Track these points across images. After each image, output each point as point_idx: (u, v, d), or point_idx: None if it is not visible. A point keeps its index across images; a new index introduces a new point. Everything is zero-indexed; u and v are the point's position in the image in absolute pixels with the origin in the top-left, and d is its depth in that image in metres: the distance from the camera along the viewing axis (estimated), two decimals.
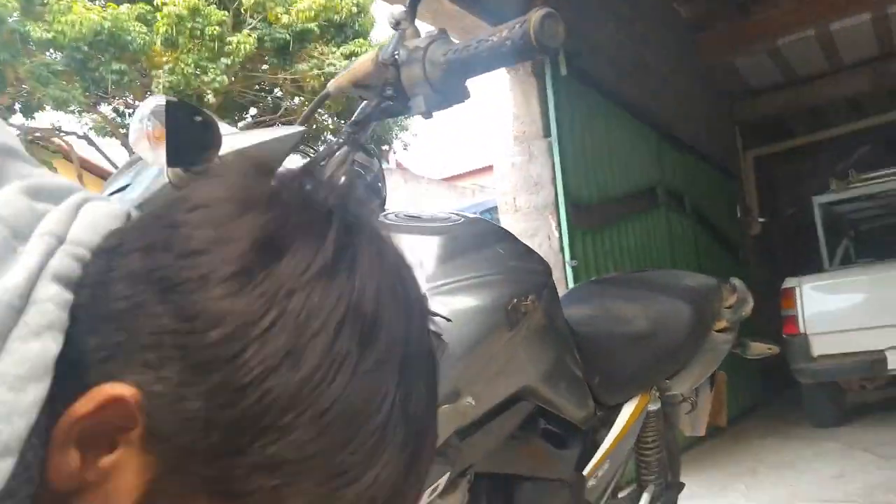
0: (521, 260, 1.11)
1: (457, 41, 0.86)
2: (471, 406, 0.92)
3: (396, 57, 0.87)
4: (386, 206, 1.13)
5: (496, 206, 4.19)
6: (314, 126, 10.76)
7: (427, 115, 0.89)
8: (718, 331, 1.68)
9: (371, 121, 0.95)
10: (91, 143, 11.05)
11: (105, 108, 10.94)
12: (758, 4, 6.32)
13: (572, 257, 3.78)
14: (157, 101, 0.74)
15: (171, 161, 0.72)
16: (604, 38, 4.60)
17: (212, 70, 9.35)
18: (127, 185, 0.87)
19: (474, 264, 1.01)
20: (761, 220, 7.65)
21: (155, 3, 9.16)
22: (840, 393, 4.82)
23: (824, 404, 4.79)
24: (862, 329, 4.40)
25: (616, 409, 1.39)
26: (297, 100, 11.69)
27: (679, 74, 6.05)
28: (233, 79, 10.26)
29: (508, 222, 3.99)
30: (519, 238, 1.21)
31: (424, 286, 0.93)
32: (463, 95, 0.88)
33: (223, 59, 9.49)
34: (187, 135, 0.72)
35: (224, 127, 0.80)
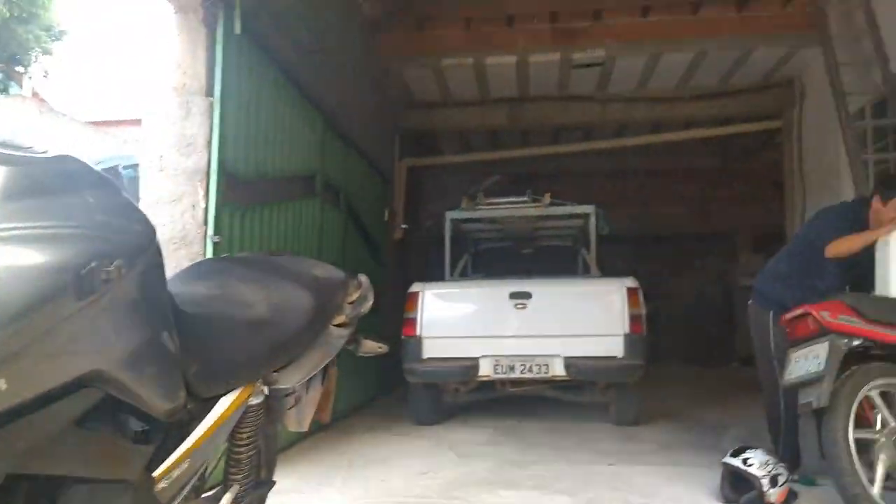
0: (116, 215, 0.91)
1: None
2: (0, 391, 0.71)
3: None
4: None
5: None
6: None
7: None
8: (337, 325, 1.66)
9: None
10: None
11: None
12: (432, 22, 6.82)
13: (216, 232, 3.54)
14: None
15: None
16: (287, 9, 4.45)
17: None
18: None
19: (49, 210, 0.81)
20: (404, 226, 8.26)
21: None
22: (439, 394, 5.34)
23: (425, 404, 5.29)
24: (464, 337, 4.98)
25: (212, 402, 1.26)
26: None
27: (356, 70, 6.19)
28: None
29: (150, 182, 3.57)
30: (124, 192, 1.00)
31: None
32: None
33: None
34: None
35: None
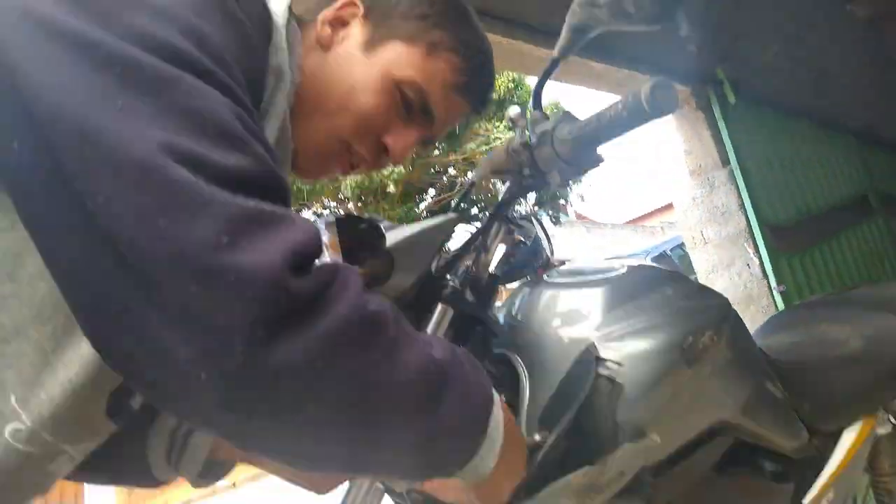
0: (693, 299, 1.09)
1: (580, 118, 0.92)
2: (657, 443, 0.93)
3: (527, 142, 0.96)
4: (553, 262, 1.18)
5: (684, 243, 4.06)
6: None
7: (563, 184, 0.97)
8: None
9: (514, 198, 1.04)
10: None
11: (306, 213, 12.22)
12: None
13: (778, 283, 3.55)
14: (326, 219, 0.88)
15: (347, 261, 0.84)
16: (772, 58, 4.38)
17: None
18: None
19: (641, 309, 1.02)
20: None
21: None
22: None
23: None
24: None
25: (835, 436, 1.30)
26: (469, 175, 12.41)
27: (867, 74, 5.54)
28: (410, 168, 11.03)
29: (698, 256, 3.85)
30: (693, 278, 1.20)
31: (592, 334, 0.98)
32: (594, 162, 0.93)
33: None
34: (356, 238, 0.86)
35: (386, 223, 0.93)
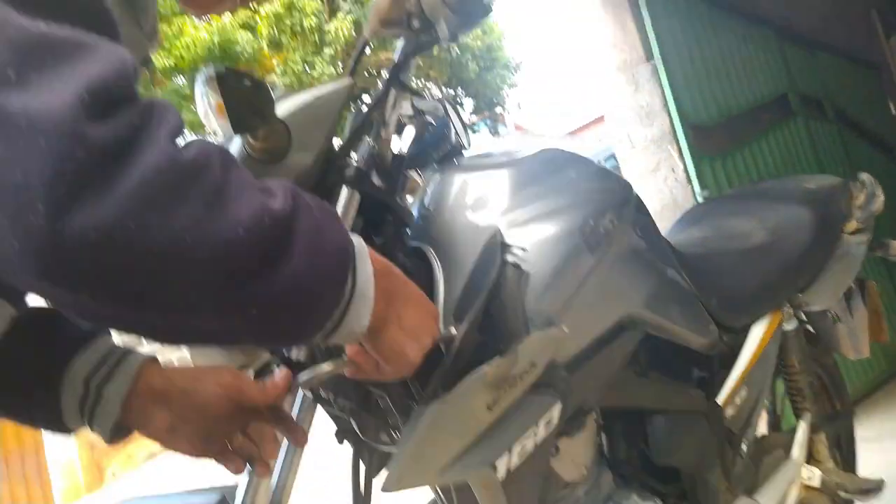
0: (595, 181, 1.05)
1: None
2: (565, 334, 0.88)
3: None
4: (464, 147, 1.10)
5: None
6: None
7: (453, 38, 0.91)
8: (851, 233, 1.51)
9: (408, 59, 0.96)
10: None
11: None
12: None
13: (703, 187, 3.56)
14: (207, 71, 0.76)
15: (236, 128, 0.76)
16: None
17: (318, 62, 9.71)
18: None
19: (545, 192, 0.97)
20: None
21: (253, 7, 9.66)
22: None
23: None
24: None
25: (745, 333, 1.29)
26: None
27: None
28: (339, 67, 10.59)
29: (628, 161, 3.81)
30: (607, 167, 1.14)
31: (499, 220, 0.92)
32: (483, 11, 0.90)
33: (326, 50, 9.80)
34: (243, 100, 0.75)
35: (278, 89, 0.83)
